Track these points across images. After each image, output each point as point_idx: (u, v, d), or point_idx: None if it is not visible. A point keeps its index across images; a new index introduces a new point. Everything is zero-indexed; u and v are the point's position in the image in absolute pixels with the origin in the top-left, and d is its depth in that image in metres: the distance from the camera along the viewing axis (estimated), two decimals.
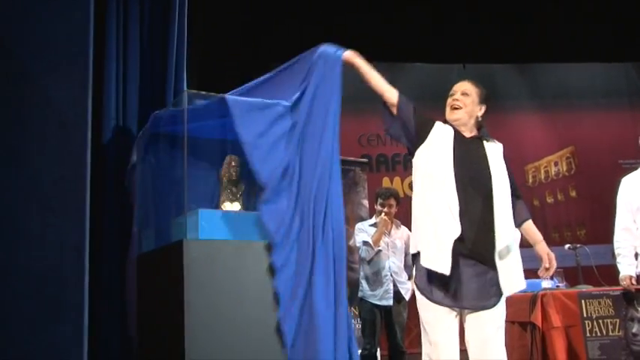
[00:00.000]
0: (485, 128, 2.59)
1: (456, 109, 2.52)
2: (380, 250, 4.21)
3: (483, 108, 2.56)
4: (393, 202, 4.27)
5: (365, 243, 4.24)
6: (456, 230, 2.31)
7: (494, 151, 2.52)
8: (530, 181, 7.52)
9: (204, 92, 2.75)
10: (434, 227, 2.36)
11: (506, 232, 2.38)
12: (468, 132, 2.53)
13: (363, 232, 4.32)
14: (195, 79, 4.63)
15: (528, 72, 7.67)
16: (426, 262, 2.36)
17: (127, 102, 3.01)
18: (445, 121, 2.57)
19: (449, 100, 2.56)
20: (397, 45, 6.80)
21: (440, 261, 2.31)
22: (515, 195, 2.54)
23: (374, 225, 4.30)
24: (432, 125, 2.52)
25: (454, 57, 7.26)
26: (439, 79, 7.32)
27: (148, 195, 2.99)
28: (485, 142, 2.52)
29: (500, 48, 7.10)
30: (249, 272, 2.55)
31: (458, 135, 2.50)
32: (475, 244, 2.33)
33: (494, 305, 2.34)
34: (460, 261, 2.34)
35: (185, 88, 3.11)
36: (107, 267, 2.89)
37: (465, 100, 2.51)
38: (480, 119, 2.55)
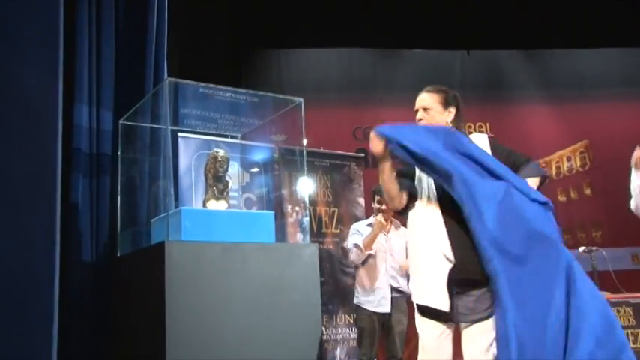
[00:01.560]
0: (464, 130, 2.63)
1: None
2: (370, 255, 4.20)
3: (452, 111, 2.58)
4: None
5: (355, 245, 4.24)
6: (448, 258, 2.40)
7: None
8: None
9: (185, 80, 2.75)
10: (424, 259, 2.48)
11: None
12: None
13: (358, 233, 4.32)
14: (176, 60, 4.60)
15: (537, 59, 7.69)
16: (419, 299, 2.49)
17: (101, 90, 3.00)
18: None
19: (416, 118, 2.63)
20: (396, 30, 6.77)
21: (435, 296, 2.42)
22: (517, 166, 2.52)
23: (371, 225, 4.30)
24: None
25: (457, 43, 7.27)
26: (441, 67, 7.37)
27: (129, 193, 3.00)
28: None
29: (506, 33, 7.10)
30: (235, 276, 2.56)
31: None
32: (462, 262, 2.39)
33: (487, 317, 2.38)
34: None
35: (165, 75, 3.11)
36: (79, 267, 2.89)
37: (427, 116, 2.57)
38: (450, 124, 2.56)
